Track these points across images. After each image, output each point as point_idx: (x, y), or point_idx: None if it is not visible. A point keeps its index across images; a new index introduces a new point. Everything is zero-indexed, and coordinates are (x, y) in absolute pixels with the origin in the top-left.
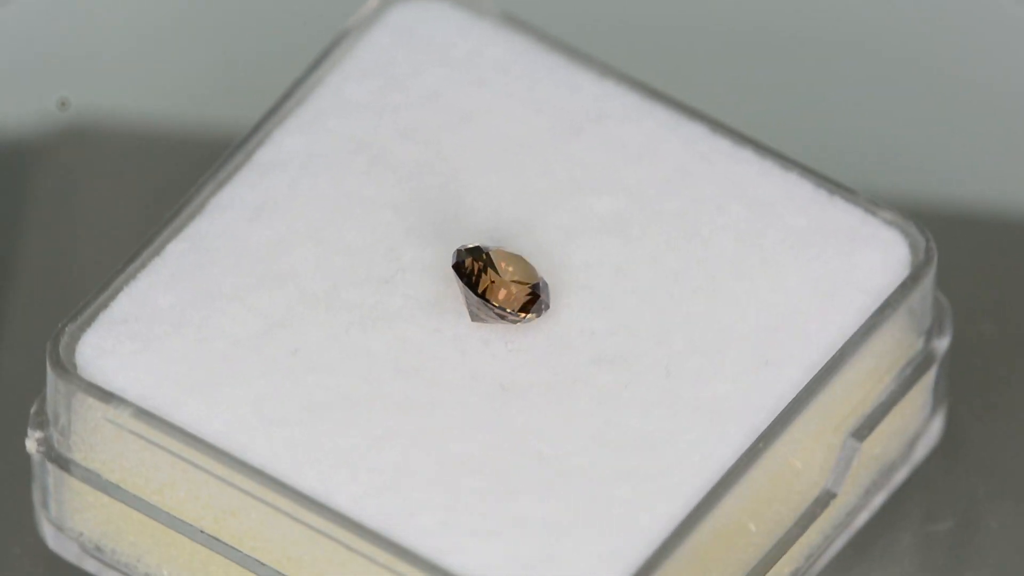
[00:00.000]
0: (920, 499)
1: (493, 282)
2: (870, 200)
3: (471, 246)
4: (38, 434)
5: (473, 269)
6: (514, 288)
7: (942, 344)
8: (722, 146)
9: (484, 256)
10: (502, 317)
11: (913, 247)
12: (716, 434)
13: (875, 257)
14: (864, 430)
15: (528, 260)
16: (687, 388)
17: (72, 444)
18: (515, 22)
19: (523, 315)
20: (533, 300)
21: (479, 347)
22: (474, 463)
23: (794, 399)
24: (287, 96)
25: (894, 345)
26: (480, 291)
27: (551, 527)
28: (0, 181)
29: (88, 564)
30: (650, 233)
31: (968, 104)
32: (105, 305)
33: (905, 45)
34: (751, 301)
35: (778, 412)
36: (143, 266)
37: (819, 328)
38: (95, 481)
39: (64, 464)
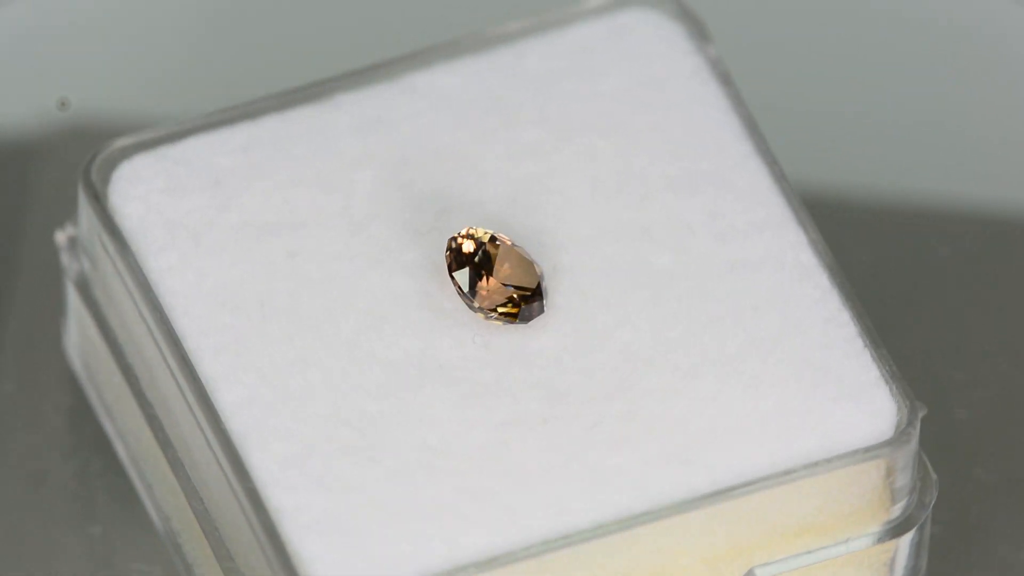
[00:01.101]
0: None
1: (482, 279)
2: (879, 350)
3: (474, 234)
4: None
5: (471, 259)
6: (502, 292)
7: (920, 514)
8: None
9: (484, 249)
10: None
11: (899, 412)
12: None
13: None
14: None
15: (533, 261)
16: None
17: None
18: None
19: (504, 318)
20: (526, 300)
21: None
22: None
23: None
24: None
25: (855, 502)
26: (469, 288)
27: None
28: (0, 181)
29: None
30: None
31: (969, 104)
32: (159, 141)
33: (905, 44)
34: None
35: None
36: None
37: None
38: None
39: (86, 292)
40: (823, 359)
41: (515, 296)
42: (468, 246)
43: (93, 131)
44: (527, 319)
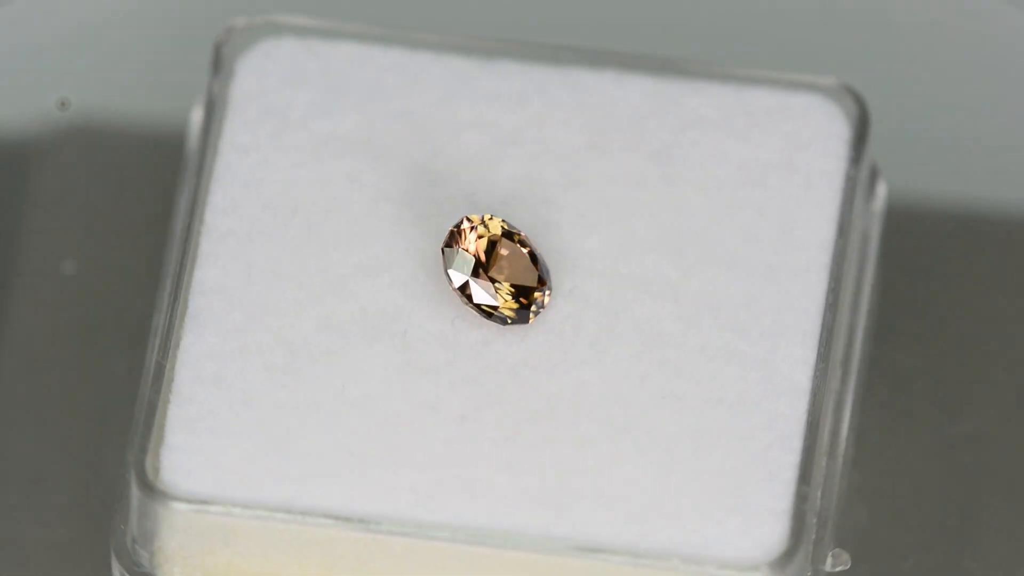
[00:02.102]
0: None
1: (479, 277)
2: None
3: (477, 224)
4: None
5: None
6: (501, 292)
7: (882, 194)
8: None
9: (486, 244)
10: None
11: (843, 107)
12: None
13: (815, 129)
14: (856, 300)
15: (532, 254)
16: (730, 333)
17: (167, 564)
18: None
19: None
20: (525, 299)
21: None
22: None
23: (829, 300)
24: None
25: (859, 210)
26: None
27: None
28: (0, 181)
29: None
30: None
31: (970, 103)
32: (160, 423)
33: (906, 42)
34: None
35: (821, 317)
36: (173, 372)
37: (811, 227)
38: None
39: None
40: (749, 472)
41: (510, 297)
42: (471, 238)
43: (93, 131)
44: (502, 322)
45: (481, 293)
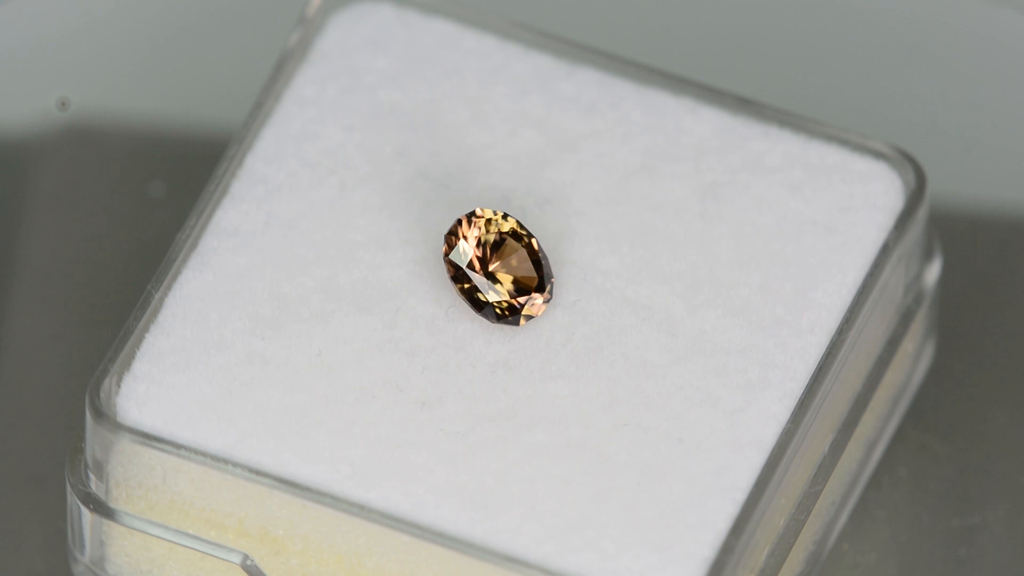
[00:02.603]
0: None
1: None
2: (844, 130)
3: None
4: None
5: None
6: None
7: (934, 271)
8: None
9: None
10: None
11: (903, 179)
12: (757, 413)
13: (867, 196)
14: (875, 373)
15: (534, 253)
16: (713, 376)
17: (115, 489)
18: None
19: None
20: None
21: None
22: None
23: (822, 365)
24: (249, 123)
25: (894, 284)
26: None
27: (623, 525)
28: (0, 181)
29: None
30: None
31: (969, 104)
32: (132, 350)
33: (907, 43)
34: (758, 271)
35: (809, 379)
36: (160, 301)
37: (829, 291)
38: (143, 526)
39: (106, 511)
40: (684, 513)
41: (509, 294)
42: (479, 230)
43: (93, 131)
44: (493, 318)
45: (476, 285)
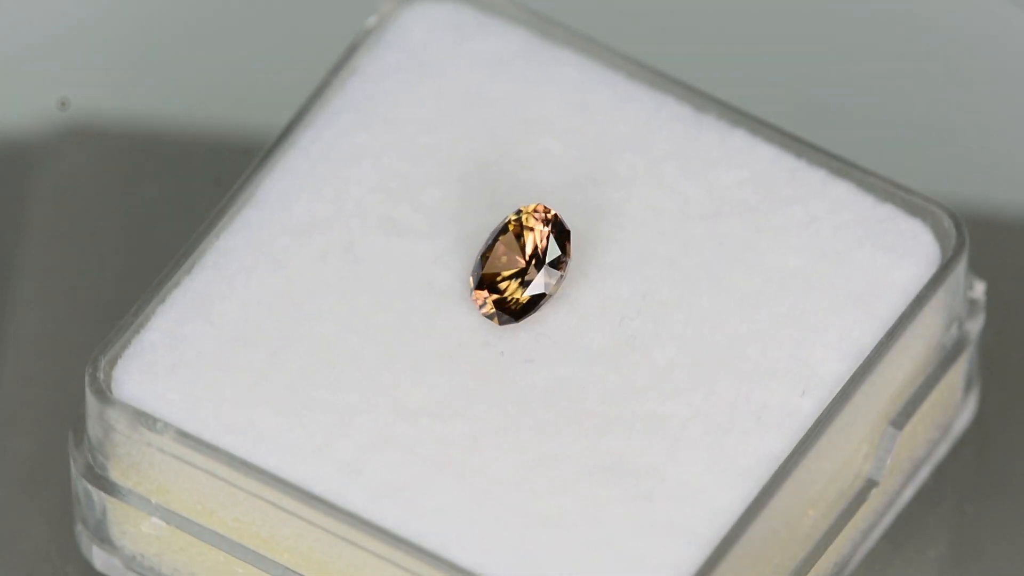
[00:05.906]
0: (954, 479)
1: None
2: (893, 184)
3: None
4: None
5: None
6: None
7: (976, 325)
8: (740, 139)
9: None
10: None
11: (944, 234)
12: (763, 434)
13: (907, 249)
14: (902, 417)
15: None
16: (730, 387)
17: (114, 467)
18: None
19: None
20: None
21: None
22: (503, 466)
23: (837, 395)
24: (305, 107)
25: (931, 330)
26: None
27: (594, 527)
28: (0, 181)
29: None
30: (674, 228)
31: (970, 103)
32: (139, 330)
33: (910, 43)
34: (784, 301)
35: (821, 410)
36: (175, 286)
37: (856, 325)
38: (139, 503)
39: (108, 487)
40: (648, 538)
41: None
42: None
43: (93, 131)
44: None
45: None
